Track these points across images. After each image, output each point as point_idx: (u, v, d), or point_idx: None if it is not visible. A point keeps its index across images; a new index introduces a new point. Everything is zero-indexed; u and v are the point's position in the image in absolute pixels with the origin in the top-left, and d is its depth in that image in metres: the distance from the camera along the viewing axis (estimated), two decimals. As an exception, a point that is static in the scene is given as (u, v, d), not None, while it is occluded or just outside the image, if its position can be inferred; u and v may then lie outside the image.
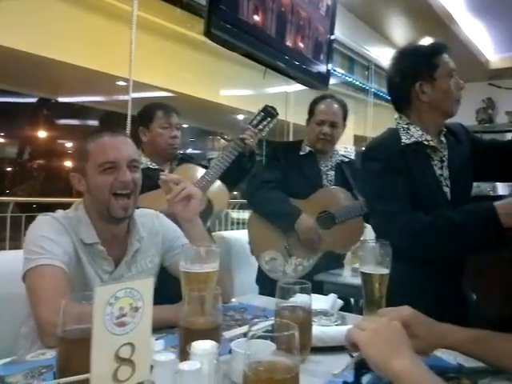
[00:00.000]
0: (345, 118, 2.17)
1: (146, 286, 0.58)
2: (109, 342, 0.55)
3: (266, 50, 2.20)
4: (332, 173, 2.14)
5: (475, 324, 0.97)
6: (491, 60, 4.99)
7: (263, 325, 0.74)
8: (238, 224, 4.84)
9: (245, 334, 0.67)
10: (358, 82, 3.62)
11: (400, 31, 3.77)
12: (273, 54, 2.22)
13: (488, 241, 1.20)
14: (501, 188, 3.98)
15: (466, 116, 5.44)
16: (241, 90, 3.26)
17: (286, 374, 0.59)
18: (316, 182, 2.09)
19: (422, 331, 0.86)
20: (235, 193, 4.23)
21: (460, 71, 4.67)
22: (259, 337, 0.64)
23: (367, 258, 1.10)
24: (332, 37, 2.62)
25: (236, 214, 4.91)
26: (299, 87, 2.70)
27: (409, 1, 3.32)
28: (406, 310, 0.88)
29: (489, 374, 0.88)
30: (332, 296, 1.23)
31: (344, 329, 0.83)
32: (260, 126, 1.97)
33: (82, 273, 1.13)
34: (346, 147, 3.62)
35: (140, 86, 3.01)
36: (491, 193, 3.76)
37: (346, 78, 3.54)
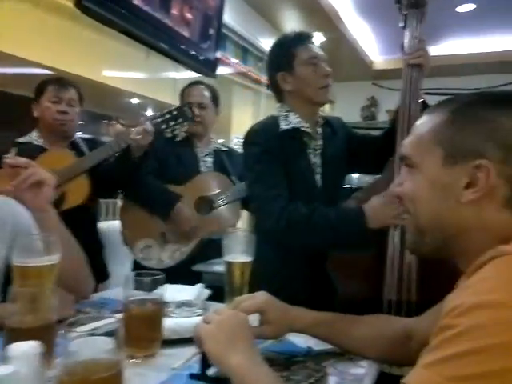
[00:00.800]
0: (215, 102, 2.15)
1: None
2: None
3: (147, 30, 2.09)
4: (210, 159, 2.12)
5: (340, 307, 1.02)
6: (375, 61, 5.35)
7: (106, 322, 0.70)
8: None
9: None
10: (251, 73, 3.65)
11: (292, 25, 3.86)
12: (155, 35, 2.11)
13: (355, 242, 1.28)
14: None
15: (352, 112, 5.82)
16: (126, 71, 3.09)
17: (103, 372, 0.55)
18: (193, 168, 2.05)
19: (276, 317, 0.88)
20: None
21: (347, 69, 4.94)
22: (106, 333, 0.60)
23: (231, 247, 1.10)
24: (221, 22, 2.59)
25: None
26: (190, 74, 2.64)
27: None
28: (260, 297, 0.89)
29: (334, 355, 0.93)
30: (198, 286, 1.22)
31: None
32: (164, 126, 1.82)
33: None
34: (237, 137, 3.64)
35: (5, 58, 2.70)
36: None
37: (240, 68, 3.54)
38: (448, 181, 0.63)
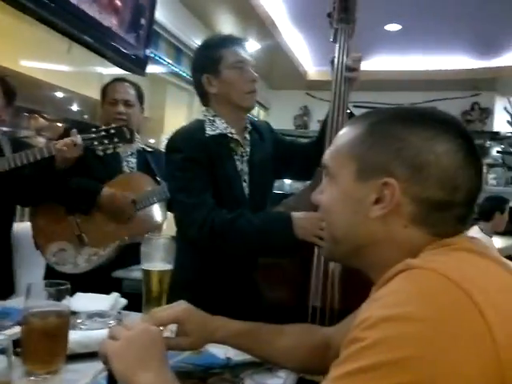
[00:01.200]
0: (140, 100, 2.06)
1: None
2: None
3: (69, 20, 1.95)
4: (133, 159, 2.03)
5: (266, 316, 1.00)
6: (309, 71, 5.50)
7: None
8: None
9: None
10: (185, 74, 3.58)
11: (228, 29, 3.85)
12: (78, 26, 1.99)
13: (282, 249, 1.27)
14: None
15: (285, 120, 5.94)
16: (48, 62, 2.88)
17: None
18: (116, 167, 1.95)
19: (195, 327, 0.84)
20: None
21: (281, 78, 5.02)
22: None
23: (149, 254, 1.04)
24: (153, 16, 2.49)
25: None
26: (118, 70, 2.52)
27: (236, 0, 3.40)
28: (177, 307, 0.85)
29: (252, 366, 0.90)
30: (113, 295, 1.15)
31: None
32: (96, 142, 1.70)
33: None
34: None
35: None
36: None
37: (173, 68, 3.46)
38: (359, 196, 0.63)
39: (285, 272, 1.35)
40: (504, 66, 4.83)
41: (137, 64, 2.39)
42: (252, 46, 3.94)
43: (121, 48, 2.23)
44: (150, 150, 2.11)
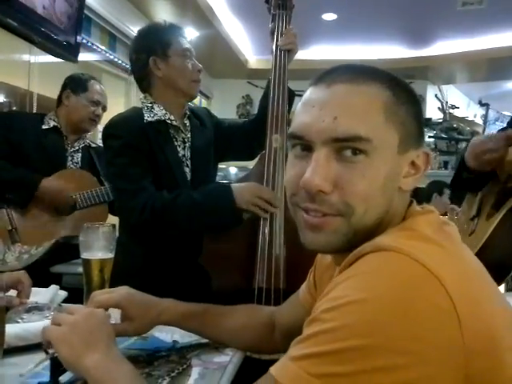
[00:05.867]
0: None
1: None
2: None
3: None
4: (79, 155, 1.97)
5: (214, 299, 1.00)
6: (250, 60, 5.50)
7: None
8: None
9: None
10: (120, 62, 3.46)
11: (166, 17, 3.75)
12: (0, 9, 1.86)
13: (224, 221, 1.28)
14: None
15: (228, 109, 5.91)
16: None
17: None
18: (59, 162, 1.88)
19: (138, 311, 0.83)
20: None
21: (222, 67, 4.98)
22: None
23: (89, 243, 1.01)
24: (83, 4, 2.38)
25: None
26: (48, 57, 2.39)
27: (172, -14, 3.33)
28: (119, 291, 0.84)
29: (199, 346, 0.91)
30: (52, 288, 1.11)
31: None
32: None
33: None
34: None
35: None
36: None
37: (108, 55, 3.33)
38: (400, 169, 0.57)
39: (230, 255, 1.36)
40: (435, 56, 5.08)
41: (68, 50, 2.27)
42: (191, 34, 3.89)
43: (50, 33, 2.11)
44: (94, 145, 2.06)
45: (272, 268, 1.30)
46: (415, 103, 0.59)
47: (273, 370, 0.50)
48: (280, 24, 1.50)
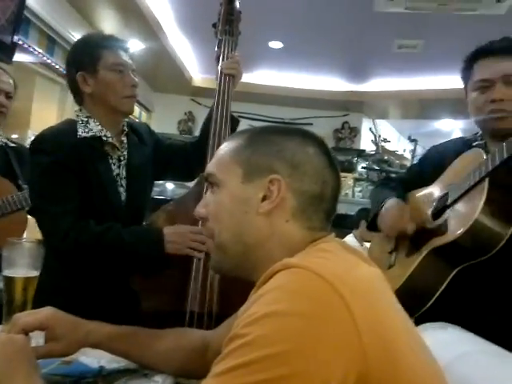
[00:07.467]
0: (15, 91, 1.90)
1: None
2: None
3: None
4: None
5: (142, 321, 0.97)
6: (195, 78, 5.51)
7: None
8: None
9: None
10: (58, 66, 3.32)
11: (110, 26, 3.68)
12: None
13: (152, 264, 1.25)
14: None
15: (169, 125, 5.85)
16: None
17: None
18: None
19: (64, 331, 0.80)
20: None
21: (166, 81, 4.93)
22: None
23: (13, 259, 0.94)
24: (23, 4, 2.26)
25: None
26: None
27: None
28: (43, 312, 0.81)
29: (127, 372, 0.88)
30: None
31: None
32: None
33: None
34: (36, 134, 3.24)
35: None
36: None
37: (45, 58, 3.18)
38: (247, 195, 0.69)
39: (163, 277, 1.32)
40: (370, 92, 5.40)
41: (2, 50, 2.14)
42: (135, 46, 3.83)
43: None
44: (12, 145, 1.90)
45: (206, 291, 1.28)
46: (269, 144, 0.71)
47: None
48: (225, 50, 1.52)
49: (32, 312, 0.83)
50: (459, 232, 1.08)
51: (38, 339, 0.80)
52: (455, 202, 1.17)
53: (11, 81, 1.85)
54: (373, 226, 1.41)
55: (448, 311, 1.10)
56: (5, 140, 1.88)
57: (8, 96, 1.82)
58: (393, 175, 6.27)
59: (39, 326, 0.79)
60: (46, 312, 0.81)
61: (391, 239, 1.39)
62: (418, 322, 0.97)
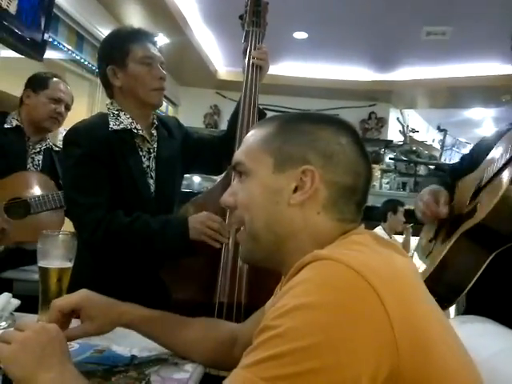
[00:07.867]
0: None
1: None
2: None
3: None
4: (40, 157, 1.89)
5: (173, 312, 0.97)
6: (220, 71, 5.51)
7: None
8: None
9: None
10: (87, 62, 3.38)
11: (136, 21, 3.72)
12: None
13: (178, 251, 1.26)
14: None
15: (195, 118, 5.88)
16: None
17: None
18: (18, 163, 1.80)
19: (98, 312, 0.84)
20: None
21: (191, 75, 4.95)
22: None
23: (47, 251, 0.97)
24: (52, 2, 2.30)
25: None
26: (10, 53, 2.29)
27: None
28: (78, 294, 0.84)
29: (158, 361, 0.89)
30: (4, 295, 1.05)
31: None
32: None
33: None
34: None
35: None
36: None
37: (74, 55, 3.24)
38: (278, 186, 0.67)
39: (192, 269, 1.34)
40: (398, 81, 5.28)
41: (33, 48, 2.17)
42: (161, 41, 3.85)
43: (15, 29, 2.02)
44: (57, 149, 1.98)
45: (235, 282, 1.29)
46: (301, 134, 0.69)
47: (226, 381, 0.52)
48: (253, 41, 1.51)
49: (67, 296, 0.86)
50: (485, 212, 1.01)
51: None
52: (489, 182, 1.12)
53: (71, 93, 1.97)
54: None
55: (482, 303, 1.07)
56: (51, 144, 1.96)
57: (66, 108, 1.94)
58: (421, 166, 6.17)
59: (74, 307, 0.82)
60: (81, 294, 0.84)
61: (433, 227, 1.36)
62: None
